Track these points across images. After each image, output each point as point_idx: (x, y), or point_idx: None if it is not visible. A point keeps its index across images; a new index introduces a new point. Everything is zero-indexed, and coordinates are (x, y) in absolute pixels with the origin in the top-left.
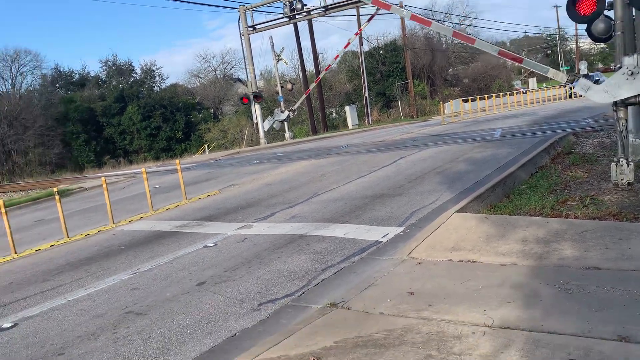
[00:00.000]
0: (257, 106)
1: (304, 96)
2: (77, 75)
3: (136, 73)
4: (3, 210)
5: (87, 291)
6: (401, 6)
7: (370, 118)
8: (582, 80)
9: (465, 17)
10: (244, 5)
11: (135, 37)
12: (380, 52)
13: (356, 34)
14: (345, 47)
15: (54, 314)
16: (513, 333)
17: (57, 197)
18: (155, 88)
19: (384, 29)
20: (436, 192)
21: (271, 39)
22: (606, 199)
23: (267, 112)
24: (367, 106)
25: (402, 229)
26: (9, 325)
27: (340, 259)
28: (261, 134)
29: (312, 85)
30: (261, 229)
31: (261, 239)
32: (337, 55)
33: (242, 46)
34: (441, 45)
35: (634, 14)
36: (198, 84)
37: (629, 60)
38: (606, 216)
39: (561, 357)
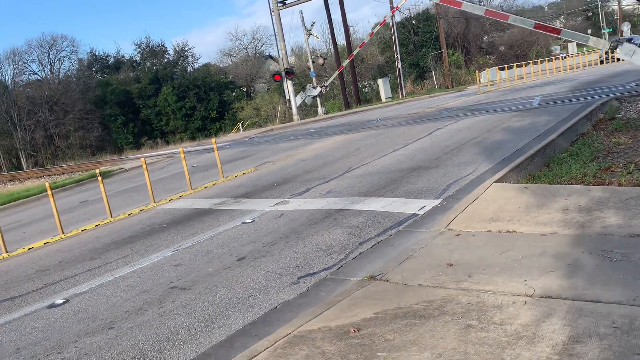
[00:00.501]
0: (289, 82)
1: (337, 73)
2: (112, 59)
3: (169, 54)
4: (50, 192)
5: (132, 268)
6: None
7: (404, 90)
8: (626, 45)
9: None
10: None
11: (167, 19)
12: (413, 22)
13: (393, 11)
14: (380, 25)
15: (102, 290)
16: (555, 302)
17: (99, 178)
18: (189, 68)
19: None
20: (473, 163)
21: (301, 13)
22: None
23: (299, 88)
24: (400, 78)
25: (439, 201)
26: (62, 301)
27: (377, 232)
28: (294, 110)
29: (345, 62)
30: (297, 205)
31: (298, 214)
32: (372, 33)
33: (273, 23)
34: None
35: None
36: (230, 63)
37: None
38: None
39: (605, 325)
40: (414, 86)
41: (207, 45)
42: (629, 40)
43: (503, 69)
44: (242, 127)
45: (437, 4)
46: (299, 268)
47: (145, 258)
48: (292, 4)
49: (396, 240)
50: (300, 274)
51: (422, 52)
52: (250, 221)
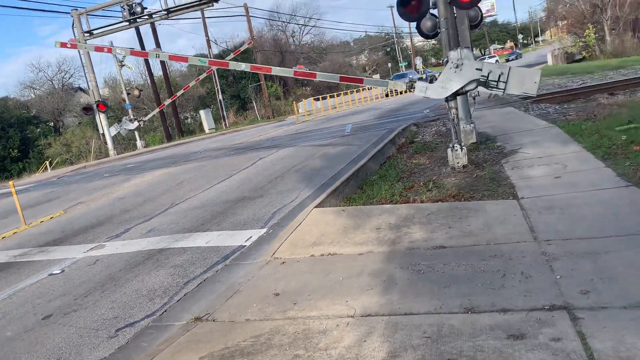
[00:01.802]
0: (103, 116)
1: (157, 110)
2: None
3: None
4: None
5: None
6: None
7: (226, 121)
8: (419, 84)
9: (310, 18)
10: (77, 9)
11: None
12: (231, 54)
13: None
14: (207, 73)
15: None
16: (374, 320)
17: None
18: None
19: (232, 31)
20: (296, 189)
21: (112, 44)
22: (446, 181)
23: (115, 121)
24: (222, 109)
25: (265, 230)
26: None
27: (203, 269)
28: (109, 145)
29: (167, 102)
30: (115, 248)
31: (115, 258)
32: (198, 79)
33: (80, 54)
34: (289, 46)
35: (455, 11)
36: (33, 96)
37: (454, 54)
38: (447, 198)
39: (417, 336)
40: (236, 117)
41: (4, 77)
42: (420, 79)
43: (318, 99)
44: (50, 165)
45: (252, 37)
46: (117, 319)
47: None
48: (99, 35)
49: (223, 276)
50: (118, 325)
51: (242, 84)
52: (58, 272)
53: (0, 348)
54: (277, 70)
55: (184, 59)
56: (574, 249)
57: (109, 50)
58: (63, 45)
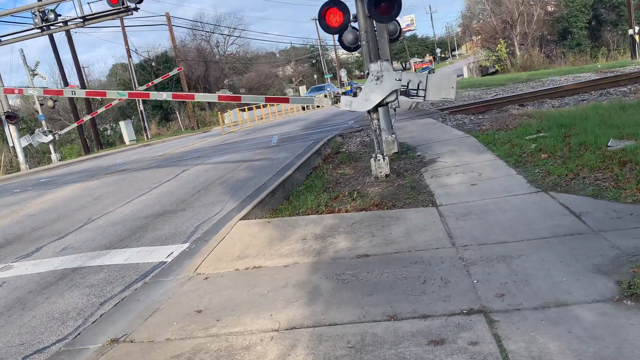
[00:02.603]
0: (13, 127)
1: (74, 125)
2: None
3: None
4: None
5: None
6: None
7: (148, 132)
8: (344, 98)
9: (234, 29)
10: None
11: None
12: (153, 64)
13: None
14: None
15: None
16: (299, 332)
17: None
18: None
19: (154, 41)
20: (220, 202)
21: (22, 52)
22: (370, 191)
23: (27, 133)
24: (143, 120)
25: (187, 244)
26: None
27: (122, 287)
28: (21, 158)
29: (87, 118)
30: (24, 269)
31: (24, 280)
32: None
33: None
34: (214, 56)
35: (375, 25)
36: None
37: (374, 67)
38: (371, 207)
39: (341, 347)
40: (159, 128)
41: None
42: (345, 93)
43: (244, 110)
44: None
45: (175, 47)
46: (24, 346)
47: None
48: (10, 42)
49: (142, 294)
50: (26, 352)
51: None
52: None
53: None
54: (200, 97)
55: (102, 93)
56: (489, 253)
57: (20, 92)
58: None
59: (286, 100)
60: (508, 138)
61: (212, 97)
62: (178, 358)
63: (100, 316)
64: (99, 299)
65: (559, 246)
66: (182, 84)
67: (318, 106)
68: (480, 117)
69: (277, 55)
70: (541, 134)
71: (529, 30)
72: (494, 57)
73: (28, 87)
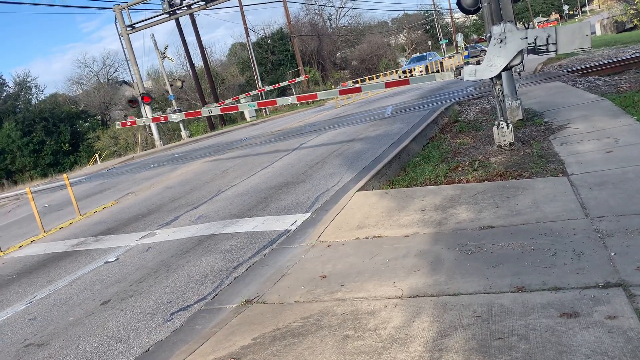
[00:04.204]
0: (148, 107)
1: (216, 105)
2: None
3: (8, 86)
4: None
5: None
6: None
7: (267, 108)
8: (466, 68)
9: (346, 0)
10: (119, 4)
11: (3, 48)
12: (269, 41)
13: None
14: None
15: None
16: (422, 300)
17: None
18: (33, 100)
19: (270, 18)
20: (338, 174)
21: (153, 37)
22: (492, 160)
23: (160, 112)
24: (262, 97)
25: (309, 214)
26: None
27: (252, 253)
28: (155, 136)
29: (214, 107)
30: (166, 235)
31: (166, 245)
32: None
33: (123, 47)
34: (326, 30)
35: None
36: (81, 91)
37: (497, 29)
38: (494, 177)
39: (467, 316)
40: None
41: (53, 74)
42: (467, 64)
43: (357, 82)
44: (100, 158)
45: (289, 23)
46: (171, 304)
47: None
48: (141, 28)
49: (271, 259)
50: (172, 309)
51: (280, 70)
52: (113, 259)
53: (64, 332)
54: (322, 94)
55: (234, 108)
56: (628, 224)
57: (165, 119)
58: (124, 125)
59: (406, 82)
60: None
61: (333, 93)
62: (307, 319)
63: (235, 279)
64: (232, 263)
65: None
66: (297, 59)
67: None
68: (616, 78)
69: (390, 23)
70: None
71: None
72: (632, 11)
73: (171, 113)
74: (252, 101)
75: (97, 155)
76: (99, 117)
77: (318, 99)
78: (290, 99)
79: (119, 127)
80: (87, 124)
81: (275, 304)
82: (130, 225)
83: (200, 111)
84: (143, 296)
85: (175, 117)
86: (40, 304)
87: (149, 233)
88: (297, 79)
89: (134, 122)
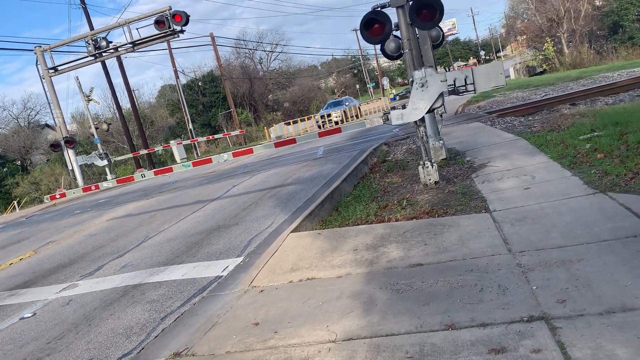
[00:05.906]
0: (71, 151)
1: (131, 155)
2: None
3: None
4: None
5: None
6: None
7: (198, 150)
8: (393, 113)
9: (277, 44)
10: (40, 46)
11: None
12: (199, 83)
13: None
14: None
15: None
16: (356, 343)
17: None
18: None
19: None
20: (271, 215)
21: (77, 79)
22: (419, 198)
23: (85, 155)
24: (196, 147)
25: (241, 258)
26: None
27: (181, 302)
28: (79, 181)
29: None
30: (88, 287)
31: (89, 297)
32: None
33: (45, 90)
34: (258, 72)
35: (417, 32)
36: None
37: (418, 74)
38: (421, 214)
39: (400, 357)
40: (208, 145)
41: None
42: (393, 108)
43: (289, 123)
44: (19, 205)
45: (220, 65)
46: None
47: None
48: (65, 70)
49: (201, 308)
50: None
51: (212, 112)
52: (30, 315)
53: None
54: (259, 148)
55: (169, 169)
56: (547, 258)
57: (97, 187)
58: (52, 198)
59: (339, 131)
60: (561, 139)
61: (269, 146)
62: None
63: (162, 331)
64: (159, 314)
65: (621, 249)
66: (229, 101)
67: (355, 116)
68: (530, 118)
69: (319, 67)
70: (596, 133)
71: (576, 26)
72: (540, 57)
73: (103, 182)
74: (185, 150)
75: (15, 202)
76: (19, 162)
77: (254, 153)
78: (225, 156)
79: (47, 200)
80: (5, 169)
81: (205, 356)
82: (50, 277)
83: (133, 176)
84: (62, 354)
85: (107, 184)
86: None
87: (71, 285)
88: (233, 133)
89: (63, 195)
